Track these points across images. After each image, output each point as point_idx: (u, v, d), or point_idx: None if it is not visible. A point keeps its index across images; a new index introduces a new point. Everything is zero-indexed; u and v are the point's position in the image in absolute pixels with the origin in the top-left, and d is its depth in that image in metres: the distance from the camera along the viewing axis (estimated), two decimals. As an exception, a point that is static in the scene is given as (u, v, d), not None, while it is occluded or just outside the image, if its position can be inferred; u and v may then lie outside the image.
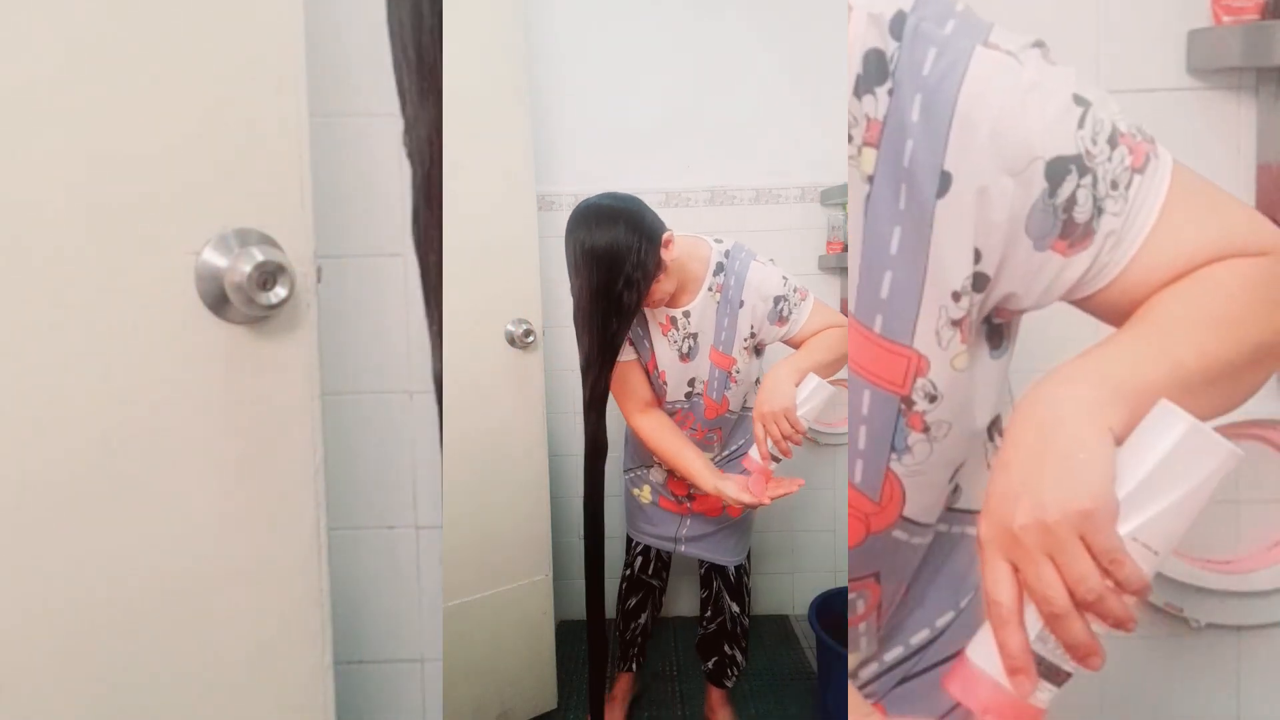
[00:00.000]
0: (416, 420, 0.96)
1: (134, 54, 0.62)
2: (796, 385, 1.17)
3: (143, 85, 0.63)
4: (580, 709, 1.80)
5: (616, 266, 1.13)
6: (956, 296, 0.55)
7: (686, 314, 1.32)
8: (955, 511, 0.68)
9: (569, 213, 1.19)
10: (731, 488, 1.28)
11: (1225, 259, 0.52)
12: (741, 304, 1.29)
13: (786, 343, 1.32)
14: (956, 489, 0.67)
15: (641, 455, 1.56)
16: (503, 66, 1.56)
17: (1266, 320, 0.51)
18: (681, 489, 1.54)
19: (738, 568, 1.60)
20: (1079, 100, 0.51)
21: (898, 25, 0.52)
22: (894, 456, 0.60)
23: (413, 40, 0.58)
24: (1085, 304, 0.57)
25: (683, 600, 2.24)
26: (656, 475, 1.57)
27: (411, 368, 0.95)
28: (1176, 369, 0.47)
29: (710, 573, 1.63)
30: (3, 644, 0.64)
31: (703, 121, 2.07)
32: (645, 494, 1.59)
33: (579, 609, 2.09)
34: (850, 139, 0.55)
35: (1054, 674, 0.45)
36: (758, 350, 1.37)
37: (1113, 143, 0.51)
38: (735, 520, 1.56)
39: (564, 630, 2.06)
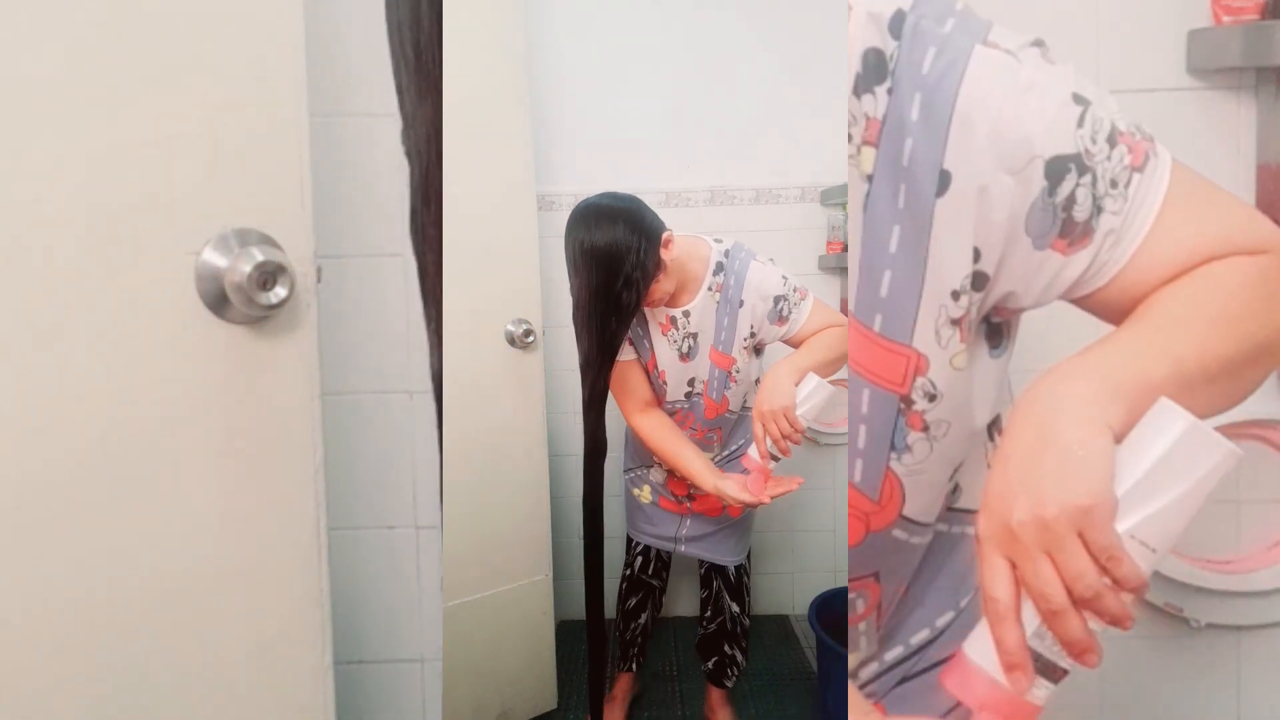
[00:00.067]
0: (416, 420, 0.96)
1: (134, 54, 0.62)
2: (796, 384, 1.17)
3: (143, 85, 0.63)
4: (580, 709, 1.80)
5: (616, 266, 1.13)
6: (956, 295, 0.55)
7: (686, 314, 1.32)
8: (955, 511, 0.68)
9: (569, 213, 1.19)
10: (731, 487, 1.28)
11: (1225, 257, 0.52)
12: (741, 303, 1.29)
13: (786, 342, 1.32)
14: (956, 488, 0.67)
15: (641, 455, 1.56)
16: (503, 66, 1.56)
17: (1266, 318, 0.51)
18: (681, 489, 1.54)
19: (738, 568, 1.60)
20: (1078, 99, 0.51)
21: (897, 24, 0.52)
22: (893, 455, 0.60)
23: (411, 39, 0.58)
24: (1085, 302, 0.57)
25: (683, 600, 2.24)
26: (656, 475, 1.57)
27: (411, 368, 0.95)
28: (1176, 367, 0.47)
29: (710, 573, 1.63)
30: (3, 644, 0.64)
31: (703, 121, 2.07)
32: (645, 494, 1.59)
33: (579, 609, 2.08)
34: (850, 138, 0.55)
35: (1051, 671, 0.45)
36: (757, 350, 1.37)
37: (1112, 141, 0.51)
38: (735, 520, 1.56)
39: (564, 630, 2.06)
